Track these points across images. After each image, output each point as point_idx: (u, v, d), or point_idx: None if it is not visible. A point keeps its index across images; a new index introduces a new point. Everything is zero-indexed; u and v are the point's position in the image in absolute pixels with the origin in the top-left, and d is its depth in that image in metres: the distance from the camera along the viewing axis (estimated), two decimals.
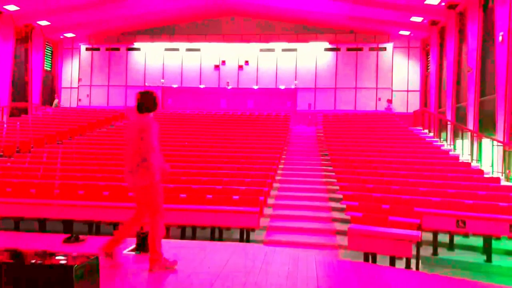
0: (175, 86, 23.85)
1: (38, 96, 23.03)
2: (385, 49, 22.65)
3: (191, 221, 8.06)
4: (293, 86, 23.12)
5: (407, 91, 22.61)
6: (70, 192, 8.94)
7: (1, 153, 13.77)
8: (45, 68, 23.79)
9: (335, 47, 23.02)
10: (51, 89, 24.57)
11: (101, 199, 8.64)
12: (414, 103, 22.31)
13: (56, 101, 23.32)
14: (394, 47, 22.56)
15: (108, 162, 12.18)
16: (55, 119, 19.63)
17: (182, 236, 8.11)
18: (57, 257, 1.32)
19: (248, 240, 8.11)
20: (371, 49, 22.74)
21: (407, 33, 21.61)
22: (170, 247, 5.50)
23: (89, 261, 1.22)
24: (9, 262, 1.27)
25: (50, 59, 24.48)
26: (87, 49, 24.49)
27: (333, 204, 10.30)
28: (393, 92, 22.46)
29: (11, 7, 19.15)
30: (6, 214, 8.43)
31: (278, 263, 5.12)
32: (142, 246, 5.11)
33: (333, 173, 11.97)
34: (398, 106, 22.19)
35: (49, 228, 8.47)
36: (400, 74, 22.65)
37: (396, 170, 11.50)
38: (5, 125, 16.86)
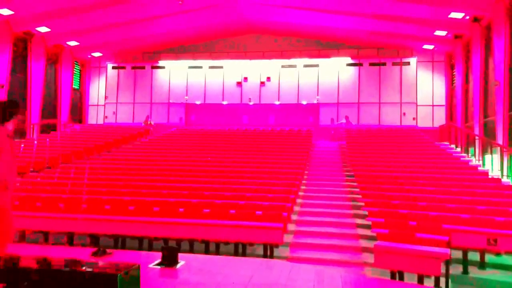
0: (198, 102, 24.21)
1: (66, 113, 23.79)
2: (408, 63, 22.45)
3: (215, 236, 8.07)
4: (315, 101, 23.10)
5: (432, 105, 22.24)
6: (96, 207, 9.12)
7: (32, 169, 14.22)
8: (73, 86, 24.61)
9: (357, 62, 22.97)
10: (79, 107, 25.35)
11: (126, 213, 8.77)
12: (440, 118, 21.89)
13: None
14: (418, 61, 22.33)
15: (133, 177, 12.39)
16: (82, 136, 20.18)
17: (206, 251, 8.12)
18: (84, 267, 1.35)
19: (271, 256, 8.04)
20: (394, 63, 22.57)
21: (431, 47, 21.38)
22: (195, 261, 5.52)
23: (131, 270, 1.25)
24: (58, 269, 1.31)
25: (78, 78, 25.32)
26: (113, 67, 25.24)
27: (358, 221, 10.12)
28: (418, 107, 22.13)
29: (43, 29, 20.03)
30: (35, 228, 8.66)
31: (302, 280, 5.06)
32: (167, 260, 5.15)
33: (358, 189, 11.79)
34: (423, 121, 21.83)
35: (76, 242, 8.64)
36: (424, 89, 22.34)
37: (422, 186, 11.24)
38: (35, 142, 17.45)
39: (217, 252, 8.25)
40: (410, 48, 22.46)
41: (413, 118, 21.96)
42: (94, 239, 8.47)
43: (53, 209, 9.20)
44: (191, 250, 7.98)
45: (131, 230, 8.18)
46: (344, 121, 21.37)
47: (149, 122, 22.61)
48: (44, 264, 1.46)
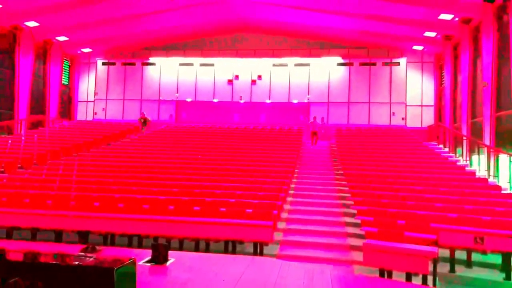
0: (189, 100, 24.12)
1: (55, 109, 23.51)
2: (398, 63, 22.64)
3: (205, 234, 8.06)
4: (306, 101, 23.18)
5: (421, 106, 22.47)
6: (85, 204, 9.04)
7: (20, 165, 14.03)
8: (62, 82, 24.33)
9: (348, 61, 23.09)
10: (68, 103, 25.07)
11: (116, 211, 8.72)
12: (428, 118, 22.14)
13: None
14: (408, 62, 22.53)
15: (123, 174, 12.31)
16: (71, 132, 19.97)
17: (196, 249, 8.10)
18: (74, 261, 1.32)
19: (261, 254, 8.05)
20: (385, 63, 22.74)
21: (420, 48, 21.60)
22: (185, 259, 5.51)
23: (127, 265, 1.24)
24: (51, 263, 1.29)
25: (67, 74, 25.03)
26: (103, 63, 25.00)
27: (348, 219, 10.20)
28: (407, 107, 22.35)
29: (31, 23, 19.74)
30: (23, 225, 8.56)
31: (293, 277, 5.08)
32: (157, 257, 5.14)
33: (347, 188, 11.89)
34: (412, 121, 22.05)
35: (65, 239, 8.56)
36: (414, 89, 22.56)
37: (411, 185, 11.37)
38: (23, 138, 17.21)
39: (207, 250, 8.25)
40: (400, 48, 22.66)
41: (402, 118, 22.20)
42: (83, 236, 8.39)
43: (41, 206, 9.10)
44: (181, 248, 7.97)
45: (121, 227, 8.13)
46: (312, 121, 20.31)
47: (146, 119, 21.04)
48: (33, 257, 1.44)
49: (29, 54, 20.99)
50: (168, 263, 5.16)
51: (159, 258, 5.11)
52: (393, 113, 22.33)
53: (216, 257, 6.13)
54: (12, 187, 10.96)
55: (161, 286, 4.38)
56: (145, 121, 20.94)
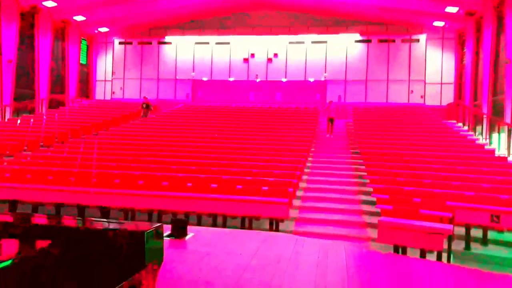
0: (205, 79, 24.16)
1: (74, 89, 23.90)
2: (418, 40, 22.11)
3: (222, 210, 8.25)
4: (322, 79, 22.95)
5: (441, 83, 22.01)
6: (106, 181, 9.32)
7: (42, 143, 14.45)
8: (80, 62, 24.62)
9: (366, 38, 22.65)
10: (86, 82, 25.43)
11: (136, 187, 8.97)
12: (448, 96, 21.71)
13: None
14: (428, 39, 21.97)
15: (142, 152, 12.57)
16: (90, 111, 20.33)
17: (214, 225, 8.32)
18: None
19: (277, 230, 8.22)
20: (404, 40, 22.24)
21: (441, 24, 20.98)
22: (203, 233, 5.69)
23: (156, 228, 1.34)
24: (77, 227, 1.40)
25: (85, 53, 25.29)
26: (120, 43, 25.13)
27: (363, 197, 10.26)
28: (426, 85, 21.93)
29: (49, 3, 19.89)
30: (48, 200, 8.90)
31: (308, 252, 5.21)
32: (176, 232, 5.33)
33: (363, 166, 11.89)
34: (431, 99, 21.68)
35: (87, 215, 8.87)
36: (433, 66, 22.06)
37: (428, 163, 11.31)
38: (44, 117, 17.64)
39: (224, 226, 8.46)
40: (420, 25, 22.06)
41: (421, 96, 21.82)
42: (104, 213, 8.69)
43: (64, 182, 9.42)
44: (199, 224, 8.19)
45: (141, 203, 8.39)
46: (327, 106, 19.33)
47: (149, 103, 19.54)
48: (58, 221, 1.55)
49: (48, 34, 21.25)
50: (187, 237, 5.35)
51: (178, 232, 5.30)
52: (412, 91, 21.98)
53: (233, 232, 6.31)
54: (35, 165, 11.33)
55: (180, 259, 4.56)
56: (148, 106, 19.36)
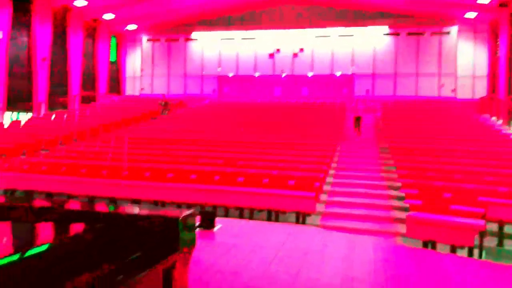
0: (230, 74, 24.31)
1: (105, 85, 24.55)
2: (448, 33, 21.49)
3: (248, 203, 8.33)
4: (349, 72, 22.67)
5: (473, 76, 21.34)
6: (137, 174, 9.58)
7: (75, 138, 14.95)
8: (110, 59, 25.25)
9: (394, 31, 22.20)
10: (116, 79, 26.08)
11: (165, 180, 9.18)
12: (480, 89, 21.02)
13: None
14: (459, 31, 21.32)
15: (170, 146, 12.82)
16: (120, 107, 20.85)
17: (241, 217, 8.40)
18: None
19: (303, 224, 8.23)
20: (434, 33, 21.67)
21: (473, 15, 20.30)
22: (231, 225, 5.78)
23: (190, 215, 1.39)
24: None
25: (115, 51, 25.91)
26: (148, 40, 25.62)
27: (392, 193, 10.10)
28: (458, 78, 21.30)
29: (80, 3, 20.49)
30: (82, 193, 9.23)
31: (334, 245, 5.22)
32: (204, 223, 5.44)
33: (392, 161, 11.71)
34: (463, 93, 21.05)
35: None
36: (465, 59, 21.40)
37: (459, 158, 11.03)
38: (77, 113, 18.23)
39: (251, 218, 8.53)
40: (450, 17, 21.42)
41: (452, 90, 21.25)
42: (136, 205, 8.94)
43: (97, 175, 9.74)
44: (226, 216, 8.31)
45: (170, 195, 8.58)
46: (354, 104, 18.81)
47: (167, 102, 19.49)
48: (90, 206, 1.65)
49: (79, 33, 21.89)
50: (215, 228, 5.46)
51: (207, 224, 5.41)
52: (442, 84, 21.42)
53: (260, 224, 6.38)
54: (69, 158, 11.75)
55: (209, 249, 4.66)
56: (166, 104, 19.23)
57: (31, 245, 1.18)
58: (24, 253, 0.98)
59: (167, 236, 1.28)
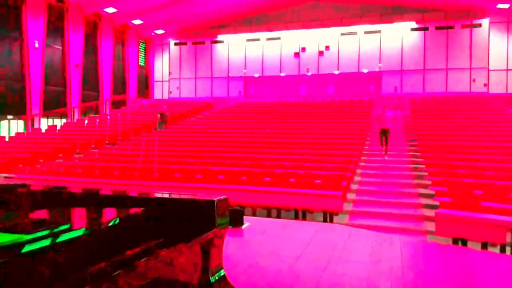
0: (256, 75, 24.48)
1: (134, 89, 25.26)
2: (480, 25, 20.86)
3: (276, 203, 8.45)
4: (377, 69, 22.39)
5: (507, 70, 20.62)
6: (167, 175, 9.88)
7: (107, 141, 15.51)
8: (139, 63, 25.96)
9: (422, 26, 21.75)
10: (145, 83, 26.77)
11: (194, 181, 9.42)
12: None
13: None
14: (491, 23, 20.66)
15: (199, 148, 13.10)
16: (150, 110, 21.40)
17: (268, 217, 8.54)
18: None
19: (331, 223, 8.27)
20: (464, 26, 21.09)
21: (506, 6, 19.64)
22: (258, 223, 5.91)
23: (224, 199, 1.60)
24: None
25: (143, 55, 26.62)
26: (175, 44, 26.14)
27: (421, 190, 9.97)
28: (490, 72, 20.65)
29: (110, 10, 21.19)
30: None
31: (362, 242, 5.26)
32: (234, 221, 5.59)
33: (421, 159, 11.54)
34: (496, 87, 20.39)
35: None
36: (497, 52, 20.71)
37: (491, 155, 10.75)
38: (108, 117, 18.86)
39: (278, 217, 8.65)
40: (481, 8, 20.80)
41: (484, 84, 20.62)
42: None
43: (129, 177, 10.11)
44: (254, 216, 8.45)
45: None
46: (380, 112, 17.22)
47: (165, 114, 17.55)
48: (122, 192, 1.84)
49: (109, 38, 22.62)
50: (244, 226, 5.60)
51: (235, 221, 5.57)
52: (474, 79, 20.81)
53: (288, 222, 6.48)
54: (102, 161, 12.22)
55: (238, 246, 4.80)
56: (163, 116, 17.25)
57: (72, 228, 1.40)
58: (61, 236, 1.17)
59: (205, 215, 1.49)
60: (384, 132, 12.35)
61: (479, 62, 20.78)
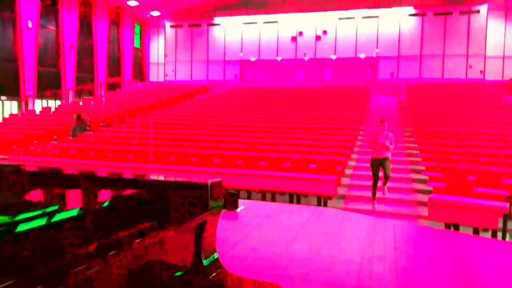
0: (252, 59, 24.29)
1: (129, 71, 25.02)
2: (478, 11, 20.74)
3: (270, 186, 8.49)
4: (374, 55, 22.29)
5: (503, 57, 20.60)
6: (162, 158, 9.86)
7: (102, 123, 15.41)
8: (134, 46, 25.65)
9: (420, 12, 21.59)
10: (140, 65, 26.51)
11: (189, 164, 9.42)
12: (510, 71, 20.31)
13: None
14: (489, 9, 20.54)
15: (194, 131, 13.06)
16: (145, 93, 21.25)
17: (263, 200, 8.59)
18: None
19: (325, 207, 8.33)
20: (462, 12, 20.96)
21: None
22: (253, 206, 5.94)
23: (218, 182, 1.60)
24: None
25: (139, 37, 26.29)
26: (171, 26, 25.81)
27: (415, 176, 10.05)
28: (486, 59, 20.62)
29: None
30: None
31: (355, 226, 5.31)
32: (228, 204, 5.62)
33: (416, 145, 11.60)
34: (492, 74, 20.40)
35: None
36: (495, 39, 20.65)
37: (485, 141, 10.82)
38: (103, 99, 18.72)
39: (273, 202, 8.70)
40: None
41: (481, 71, 20.62)
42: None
43: (124, 159, 10.08)
44: (249, 197, 8.49)
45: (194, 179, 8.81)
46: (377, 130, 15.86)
47: (84, 117, 14.54)
48: (119, 174, 1.83)
49: (104, 20, 22.28)
50: (239, 209, 5.63)
51: (230, 205, 5.59)
52: (470, 66, 20.80)
53: (282, 206, 6.52)
54: (97, 143, 12.16)
55: (233, 229, 4.83)
56: (81, 120, 14.35)
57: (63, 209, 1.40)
58: (54, 216, 1.16)
59: (198, 198, 1.49)
60: (378, 164, 7.75)
61: (476, 49, 20.74)
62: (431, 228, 5.81)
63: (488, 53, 20.61)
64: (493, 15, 20.60)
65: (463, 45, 20.94)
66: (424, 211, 7.61)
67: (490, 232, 6.40)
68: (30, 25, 17.81)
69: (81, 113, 14.51)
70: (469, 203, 6.44)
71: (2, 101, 17.98)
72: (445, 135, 11.70)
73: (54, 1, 19.30)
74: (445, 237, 5.12)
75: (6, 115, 17.22)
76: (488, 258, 4.27)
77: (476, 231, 6.45)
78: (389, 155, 7.89)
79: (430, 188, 8.18)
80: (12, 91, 17.73)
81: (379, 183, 8.12)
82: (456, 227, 6.66)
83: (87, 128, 14.54)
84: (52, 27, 19.48)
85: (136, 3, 23.28)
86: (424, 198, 8.23)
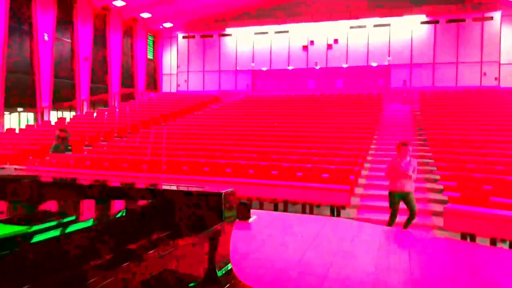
0: (264, 69, 24.39)
1: (143, 82, 25.34)
2: (491, 18, 20.53)
3: (283, 196, 8.45)
4: (386, 63, 22.18)
5: None
6: (175, 168, 9.92)
7: (116, 134, 15.60)
8: (148, 56, 26.01)
9: (433, 19, 21.47)
10: (154, 76, 26.84)
11: (202, 174, 9.46)
12: None
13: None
14: (503, 15, 20.32)
15: (207, 141, 13.13)
16: (158, 103, 21.47)
17: (275, 210, 8.55)
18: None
19: (338, 217, 8.26)
20: (475, 19, 20.77)
21: None
22: (265, 216, 5.91)
23: (231, 192, 1.60)
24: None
25: (152, 48, 26.66)
26: (183, 37, 26.12)
27: (429, 185, 9.91)
28: (501, 66, 20.35)
29: (119, 3, 21.20)
30: None
31: (369, 236, 5.25)
32: (240, 213, 5.61)
33: (430, 154, 11.45)
34: (508, 81, 20.11)
35: None
36: (509, 46, 20.40)
37: (501, 150, 10.63)
38: (117, 110, 18.96)
39: (285, 211, 8.65)
40: (493, 0, 20.45)
41: (495, 78, 20.34)
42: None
43: (137, 169, 10.17)
44: (261, 209, 8.47)
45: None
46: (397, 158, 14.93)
47: (66, 134, 12.84)
48: (130, 184, 1.83)
49: (118, 32, 22.68)
50: (251, 219, 5.62)
51: (242, 214, 5.58)
52: (485, 73, 20.54)
53: (295, 216, 6.48)
54: (111, 154, 12.30)
55: (245, 238, 4.82)
56: (63, 139, 12.70)
57: (77, 220, 1.41)
58: (68, 227, 1.17)
59: (212, 208, 1.49)
60: (399, 199, 6.58)
61: (490, 56, 20.50)
62: (446, 239, 5.70)
63: (502, 59, 20.35)
64: (507, 21, 20.38)
65: (476, 52, 20.73)
66: (439, 221, 7.49)
67: (508, 243, 6.26)
68: (46, 38, 18.22)
69: (62, 131, 12.75)
70: (486, 213, 6.32)
71: (19, 112, 18.35)
72: (460, 144, 11.54)
73: (69, 14, 19.74)
74: (461, 248, 5.02)
75: (23, 126, 17.56)
76: (506, 270, 4.17)
77: (493, 242, 6.31)
78: (413, 187, 6.56)
79: (445, 198, 8.05)
80: (28, 102, 18.10)
81: (398, 218, 6.53)
82: (473, 237, 6.53)
83: (69, 147, 12.96)
84: (67, 40, 19.89)
85: (149, 15, 23.66)
86: (440, 208, 8.11)
